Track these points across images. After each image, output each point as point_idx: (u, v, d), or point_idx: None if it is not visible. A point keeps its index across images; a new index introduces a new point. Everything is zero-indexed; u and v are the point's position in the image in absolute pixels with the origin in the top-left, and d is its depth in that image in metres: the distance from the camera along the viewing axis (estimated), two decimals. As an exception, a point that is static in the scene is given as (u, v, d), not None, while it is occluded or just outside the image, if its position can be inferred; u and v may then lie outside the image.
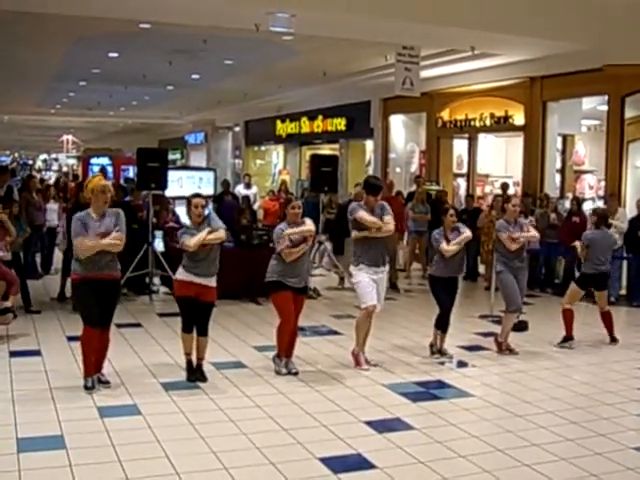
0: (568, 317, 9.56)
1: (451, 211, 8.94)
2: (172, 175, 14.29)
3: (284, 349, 7.99)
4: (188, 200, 7.74)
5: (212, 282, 7.61)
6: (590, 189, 16.93)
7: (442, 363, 8.64)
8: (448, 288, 8.83)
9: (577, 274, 9.82)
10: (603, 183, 14.95)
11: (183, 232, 7.63)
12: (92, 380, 7.15)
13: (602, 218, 9.84)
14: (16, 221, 10.81)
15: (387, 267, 8.53)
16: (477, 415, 6.86)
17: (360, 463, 5.59)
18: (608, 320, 9.76)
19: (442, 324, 8.83)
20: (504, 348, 9.13)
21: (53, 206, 14.73)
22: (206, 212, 7.85)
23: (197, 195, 7.92)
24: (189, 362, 7.67)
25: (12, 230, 9.97)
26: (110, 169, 26.96)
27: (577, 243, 9.87)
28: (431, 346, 8.90)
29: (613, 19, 12.49)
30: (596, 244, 9.58)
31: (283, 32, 12.09)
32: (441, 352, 8.86)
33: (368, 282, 8.15)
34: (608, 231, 9.89)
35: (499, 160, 18.91)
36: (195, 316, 7.55)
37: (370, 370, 8.18)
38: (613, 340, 9.73)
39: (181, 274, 7.58)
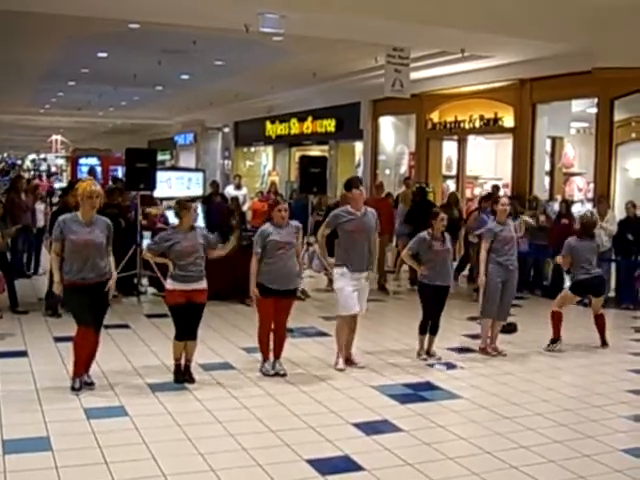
0: (556, 319, 9.57)
1: (442, 215, 8.89)
2: (161, 176, 14.25)
3: (266, 352, 7.96)
4: (185, 204, 7.62)
5: (203, 284, 7.58)
6: (579, 191, 16.99)
7: (431, 365, 8.62)
8: (437, 297, 8.77)
9: (567, 282, 9.83)
10: (592, 185, 14.99)
11: (168, 237, 7.60)
12: (80, 381, 7.11)
13: (586, 228, 9.87)
14: (2, 222, 10.77)
15: (369, 273, 8.43)
16: (465, 417, 6.85)
17: (348, 465, 5.57)
18: (601, 323, 9.77)
19: (425, 329, 8.81)
20: (490, 351, 9.12)
21: (40, 206, 14.66)
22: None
23: (192, 200, 7.87)
24: (177, 367, 7.63)
25: None
26: (99, 169, 26.88)
27: (559, 259, 9.98)
28: (418, 353, 8.88)
29: (603, 22, 12.51)
30: (578, 251, 9.62)
31: (273, 33, 12.09)
32: (429, 354, 8.85)
33: (350, 290, 8.13)
34: (590, 241, 9.85)
35: (488, 162, 18.95)
36: (186, 319, 7.52)
37: (345, 370, 8.20)
38: (604, 344, 9.73)
39: (171, 284, 7.53)
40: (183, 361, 7.61)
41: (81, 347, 7.11)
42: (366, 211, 8.30)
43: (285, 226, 7.89)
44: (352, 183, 8.36)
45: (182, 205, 7.64)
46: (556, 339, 9.52)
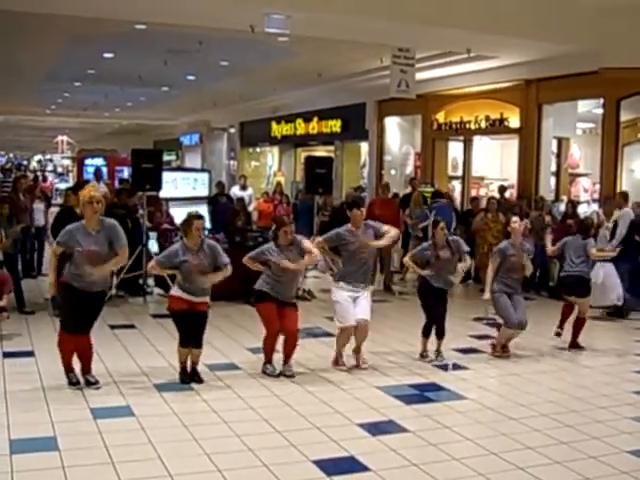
0: (564, 312, 9.73)
1: (441, 224, 8.83)
2: (167, 176, 14.24)
3: (270, 356, 8.01)
4: (189, 220, 7.53)
5: (206, 299, 7.62)
6: (585, 192, 16.94)
7: (437, 366, 8.61)
8: (438, 298, 8.77)
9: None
10: (598, 186, 14.96)
11: (177, 253, 7.57)
12: (75, 375, 7.26)
13: (583, 228, 9.91)
14: (7, 222, 10.81)
15: (370, 287, 8.47)
16: (471, 418, 6.85)
17: (353, 466, 5.58)
18: (579, 326, 9.65)
19: (428, 332, 8.80)
20: (498, 350, 9.12)
21: (39, 206, 14.73)
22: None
23: (200, 217, 7.70)
24: (183, 368, 7.65)
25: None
26: (105, 170, 26.92)
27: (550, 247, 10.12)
28: (421, 355, 8.88)
29: (609, 22, 12.49)
30: (566, 247, 9.71)
31: (278, 33, 12.08)
32: (438, 353, 8.83)
33: (346, 300, 8.17)
34: (581, 240, 9.86)
35: (494, 163, 18.90)
36: (190, 327, 7.52)
37: (348, 368, 8.28)
38: (574, 346, 9.63)
39: (176, 291, 7.56)
40: (189, 363, 7.63)
41: (62, 347, 7.27)
42: (366, 227, 8.39)
43: (290, 247, 7.92)
44: (353, 204, 8.54)
45: (186, 222, 7.56)
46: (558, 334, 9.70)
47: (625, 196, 12.86)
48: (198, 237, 7.51)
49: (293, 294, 8.09)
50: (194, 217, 7.57)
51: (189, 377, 7.56)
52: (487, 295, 9.05)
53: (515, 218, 9.43)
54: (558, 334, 9.74)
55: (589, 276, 9.71)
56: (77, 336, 7.17)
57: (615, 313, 11.82)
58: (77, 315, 7.12)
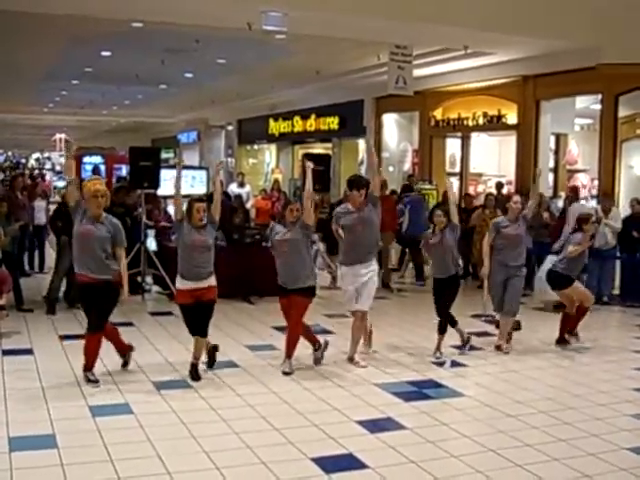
0: (561, 320, 9.65)
1: (437, 212, 8.90)
2: (165, 174, 14.21)
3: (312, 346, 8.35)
4: (190, 204, 7.65)
5: (211, 282, 7.62)
6: (583, 188, 16.94)
7: (438, 364, 8.61)
8: (438, 289, 8.85)
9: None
10: (596, 182, 14.96)
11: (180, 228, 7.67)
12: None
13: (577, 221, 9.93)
14: (5, 220, 10.82)
15: (371, 265, 8.37)
16: (469, 415, 6.86)
17: (352, 463, 5.58)
18: (579, 314, 9.60)
19: (438, 314, 8.89)
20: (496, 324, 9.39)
21: (41, 204, 14.74)
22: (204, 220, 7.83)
23: (200, 200, 7.88)
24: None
25: None
26: (103, 168, 26.90)
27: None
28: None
29: (607, 18, 12.49)
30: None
31: (276, 31, 12.05)
32: (437, 349, 8.84)
33: (349, 291, 8.34)
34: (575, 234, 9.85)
35: (492, 159, 18.90)
36: (196, 317, 7.58)
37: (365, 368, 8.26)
38: (570, 333, 9.65)
39: (180, 283, 7.61)
40: (190, 358, 7.66)
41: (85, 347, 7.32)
42: (365, 207, 8.29)
43: (295, 225, 7.95)
44: (352, 183, 8.44)
45: (188, 205, 7.67)
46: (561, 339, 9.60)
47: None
48: (199, 219, 7.58)
49: (298, 278, 7.92)
50: (194, 200, 7.75)
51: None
52: (485, 270, 9.13)
53: (516, 198, 9.40)
54: (565, 341, 9.66)
55: (564, 271, 9.43)
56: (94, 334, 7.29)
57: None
58: (88, 311, 7.29)
